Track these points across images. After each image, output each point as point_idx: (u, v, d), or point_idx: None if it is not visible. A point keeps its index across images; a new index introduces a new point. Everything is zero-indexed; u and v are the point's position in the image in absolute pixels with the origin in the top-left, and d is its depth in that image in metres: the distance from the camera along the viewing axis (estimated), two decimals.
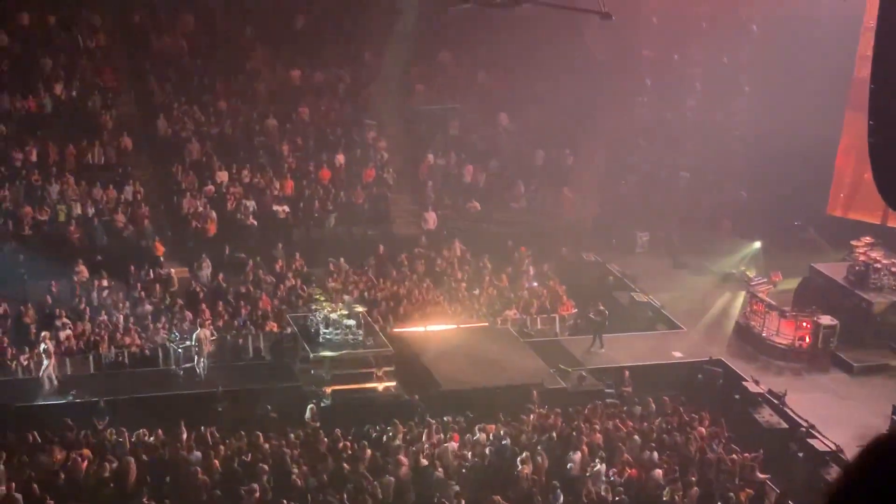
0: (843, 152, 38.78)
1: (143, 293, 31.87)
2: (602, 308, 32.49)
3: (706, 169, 41.17)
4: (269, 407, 26.57)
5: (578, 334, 33.13)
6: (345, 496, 22.49)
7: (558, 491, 23.45)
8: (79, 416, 25.35)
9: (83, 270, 32.07)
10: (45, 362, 27.39)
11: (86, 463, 23.15)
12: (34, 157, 35.08)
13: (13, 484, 21.94)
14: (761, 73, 41.25)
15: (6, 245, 32.60)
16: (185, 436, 24.54)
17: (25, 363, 28.43)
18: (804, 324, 32.36)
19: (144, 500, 21.70)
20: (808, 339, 32.26)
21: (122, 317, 30.67)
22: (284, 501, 22.31)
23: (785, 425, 28.23)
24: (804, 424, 27.90)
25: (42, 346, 27.55)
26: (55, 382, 27.53)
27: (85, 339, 29.70)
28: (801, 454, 26.87)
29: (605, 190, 40.18)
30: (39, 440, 24.09)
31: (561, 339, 32.83)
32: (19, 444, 24.06)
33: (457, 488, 23.33)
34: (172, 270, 33.43)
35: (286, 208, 36.15)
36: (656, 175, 41.35)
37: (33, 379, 27.79)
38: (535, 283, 35.12)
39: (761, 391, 29.59)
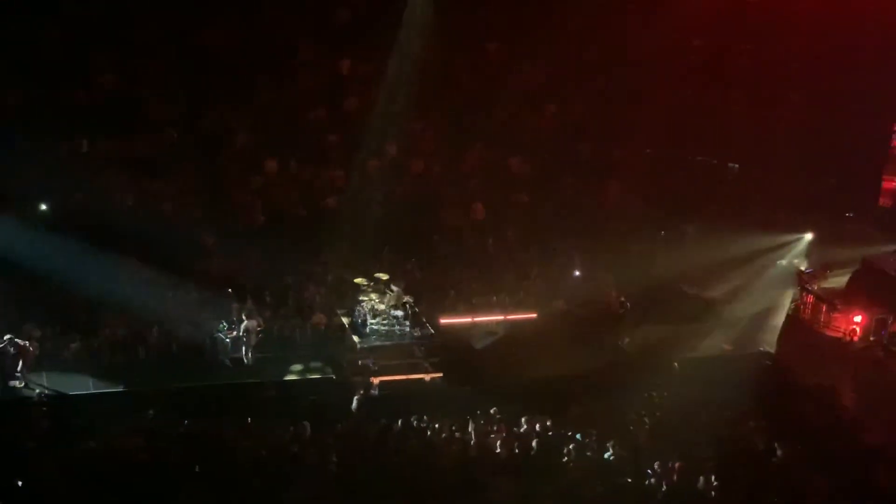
0: None
1: (191, 283, 32.02)
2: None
3: (758, 160, 40.79)
4: (313, 397, 26.66)
5: (626, 325, 32.93)
6: (390, 487, 22.49)
7: (600, 482, 23.38)
8: (128, 405, 25.53)
9: (133, 261, 32.27)
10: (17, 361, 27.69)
11: (134, 451, 23.30)
12: (83, 149, 35.34)
13: (61, 471, 22.14)
14: (813, 61, 40.76)
15: (57, 235, 32.83)
16: (232, 426, 24.64)
17: (74, 351, 28.70)
18: (855, 317, 32.03)
19: (191, 488, 21.81)
20: (858, 332, 31.95)
21: (171, 307, 30.84)
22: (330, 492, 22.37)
23: (834, 419, 27.94)
24: (853, 419, 27.61)
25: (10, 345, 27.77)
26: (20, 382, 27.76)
27: (133, 330, 29.90)
28: (849, 449, 26.59)
29: (652, 181, 39.92)
30: (87, 427, 24.28)
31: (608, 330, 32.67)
32: (68, 432, 24.27)
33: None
34: (220, 261, 33.57)
35: (334, 199, 36.22)
36: (706, 167, 41.06)
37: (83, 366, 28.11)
38: (578, 273, 34.99)
39: (811, 385, 29.32)
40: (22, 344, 27.75)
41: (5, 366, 27.56)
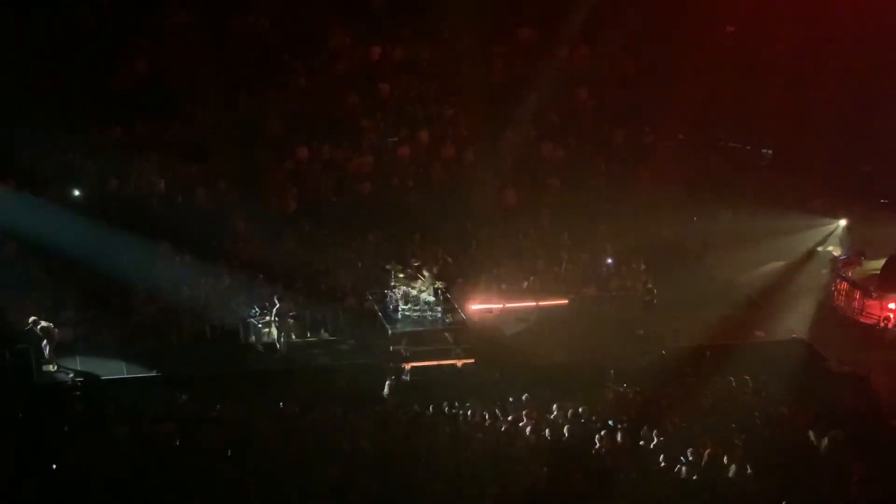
0: None
1: (224, 269, 32.15)
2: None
3: (791, 147, 40.55)
4: (347, 379, 26.73)
5: (659, 312, 32.83)
6: (423, 472, 22.51)
7: (632, 468, 23.31)
8: (161, 390, 25.67)
9: (167, 245, 32.45)
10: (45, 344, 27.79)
11: (167, 435, 23.43)
12: (118, 134, 35.54)
13: (94, 455, 22.30)
14: (848, 48, 40.42)
15: (92, 220, 33.07)
16: (264, 410, 24.72)
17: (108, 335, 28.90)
18: (890, 303, 31.83)
19: (225, 473, 21.91)
20: (893, 320, 31.76)
21: (203, 292, 30.98)
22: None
23: (869, 407, 27.76)
24: (889, 406, 27.44)
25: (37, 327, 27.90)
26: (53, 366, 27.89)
27: (167, 315, 30.06)
28: (884, 436, 26.41)
29: (686, 167, 39.75)
30: (121, 412, 24.44)
31: (639, 317, 32.56)
32: (102, 416, 24.43)
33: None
34: (253, 246, 33.68)
35: (367, 185, 36.26)
36: (740, 152, 40.85)
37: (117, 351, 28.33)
38: (610, 261, 34.88)
39: (845, 372, 29.15)
40: (47, 326, 27.95)
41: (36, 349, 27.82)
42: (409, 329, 28.92)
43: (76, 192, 33.91)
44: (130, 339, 29.38)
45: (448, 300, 30.00)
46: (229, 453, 23.10)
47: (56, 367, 27.91)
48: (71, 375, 27.47)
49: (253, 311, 30.03)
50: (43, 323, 28.01)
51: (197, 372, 27.60)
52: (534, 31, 42.12)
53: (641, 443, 24.43)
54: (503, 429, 24.53)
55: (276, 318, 29.35)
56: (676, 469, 23.44)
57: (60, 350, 28.47)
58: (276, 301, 29.92)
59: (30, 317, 28.25)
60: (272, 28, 39.97)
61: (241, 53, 38.94)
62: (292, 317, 29.83)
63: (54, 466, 21.97)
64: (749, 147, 41.12)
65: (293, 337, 30.14)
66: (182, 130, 36.48)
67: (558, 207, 37.21)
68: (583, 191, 38.11)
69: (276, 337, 29.39)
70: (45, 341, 27.89)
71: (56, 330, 28.17)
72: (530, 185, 38.06)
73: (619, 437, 24.17)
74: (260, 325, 29.63)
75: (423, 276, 30.17)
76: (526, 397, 26.28)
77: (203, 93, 37.48)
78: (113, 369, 28.00)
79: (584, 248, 35.43)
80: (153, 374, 27.79)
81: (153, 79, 37.50)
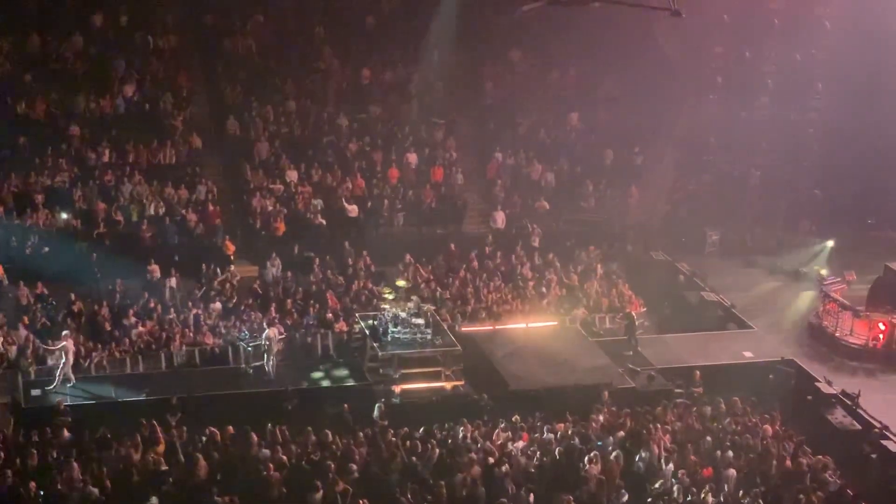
0: None
1: (213, 292, 32.14)
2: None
3: (779, 167, 40.73)
4: (346, 406, 26.65)
5: (647, 333, 32.85)
6: (413, 495, 22.47)
7: (623, 490, 23.30)
8: (151, 414, 25.58)
9: (155, 269, 32.44)
10: (63, 360, 27.65)
11: (157, 459, 23.36)
12: (107, 158, 35.58)
13: (87, 479, 22.20)
14: (835, 69, 40.67)
15: (81, 244, 33.07)
16: (254, 433, 24.65)
17: (97, 360, 28.77)
18: (878, 324, 31.91)
19: (215, 496, 21.84)
20: (882, 339, 31.83)
21: (193, 315, 30.93)
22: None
23: (858, 427, 27.78)
24: (878, 426, 27.47)
25: (61, 343, 27.82)
26: (71, 380, 27.79)
27: (157, 338, 30.00)
28: (874, 456, 26.45)
29: (675, 189, 39.89)
30: (110, 437, 24.34)
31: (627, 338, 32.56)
32: (92, 441, 24.33)
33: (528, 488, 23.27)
34: (242, 269, 33.68)
35: (356, 207, 36.30)
36: (728, 173, 41.00)
37: (103, 376, 28.24)
38: (596, 282, 34.91)
39: (834, 392, 29.17)
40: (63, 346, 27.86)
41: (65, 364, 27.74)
42: (398, 351, 28.86)
43: (63, 216, 33.83)
44: (120, 362, 29.23)
45: (437, 322, 29.98)
46: (219, 476, 23.07)
47: (55, 388, 27.74)
48: (59, 399, 27.25)
49: (243, 334, 29.95)
50: (65, 342, 27.89)
51: (186, 395, 27.46)
52: (523, 53, 42.26)
53: (638, 465, 24.49)
54: (494, 451, 24.49)
55: (266, 341, 29.27)
56: (673, 490, 23.49)
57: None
58: (266, 324, 29.85)
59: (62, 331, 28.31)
60: (261, 50, 40.06)
61: (230, 75, 39.03)
62: (281, 340, 29.74)
63: (42, 493, 21.89)
64: (735, 169, 41.20)
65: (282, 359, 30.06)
66: (173, 151, 36.45)
67: (548, 229, 37.26)
68: (573, 212, 38.21)
69: (265, 360, 29.32)
70: (63, 361, 27.75)
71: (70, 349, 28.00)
72: (520, 207, 38.12)
73: (610, 459, 24.19)
74: (249, 349, 29.55)
75: (413, 299, 30.15)
76: (516, 419, 26.26)
77: (192, 115, 37.60)
78: (102, 392, 27.84)
79: (575, 269, 35.43)
80: (143, 397, 27.65)
81: (141, 101, 37.53)
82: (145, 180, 35.26)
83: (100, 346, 29.28)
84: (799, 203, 40.58)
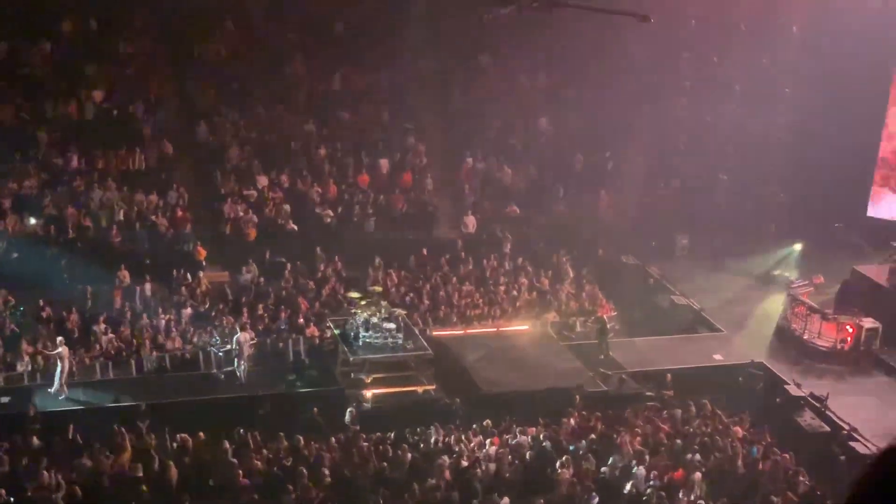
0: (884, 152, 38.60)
1: (184, 297, 32.08)
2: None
3: (747, 171, 40.99)
4: (315, 409, 26.66)
5: (618, 337, 33.00)
6: (385, 500, 22.50)
7: (593, 493, 23.40)
8: (122, 420, 25.50)
9: (125, 275, 32.34)
10: (59, 366, 27.58)
11: (128, 466, 23.30)
12: (76, 163, 35.42)
13: (56, 487, 22.11)
14: (802, 75, 40.98)
15: (50, 250, 32.92)
16: (226, 439, 24.63)
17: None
18: (846, 326, 32.16)
19: (186, 503, 21.82)
20: (850, 342, 32.06)
21: (164, 321, 30.86)
22: None
23: (827, 429, 28.03)
24: (846, 428, 27.71)
25: (58, 350, 27.73)
26: (65, 390, 27.72)
27: (127, 343, 29.91)
28: (843, 458, 26.67)
29: (644, 193, 40.08)
30: (82, 443, 24.27)
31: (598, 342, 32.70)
32: (62, 448, 24.25)
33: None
34: (213, 275, 33.63)
35: (328, 212, 36.28)
36: (696, 178, 41.22)
37: (73, 382, 28.10)
38: (566, 286, 35.03)
39: (803, 394, 29.41)
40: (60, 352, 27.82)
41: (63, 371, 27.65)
42: (370, 356, 28.90)
43: (32, 221, 33.65)
44: (90, 369, 29.11)
45: (409, 327, 30.03)
46: (190, 482, 23.02)
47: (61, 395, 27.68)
48: (29, 406, 27.12)
49: (214, 339, 29.91)
50: (60, 348, 27.81)
51: (157, 401, 27.40)
52: (493, 58, 42.37)
53: (604, 469, 24.60)
54: (466, 455, 24.56)
55: (237, 347, 29.25)
56: (644, 493, 23.58)
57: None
58: (237, 329, 29.82)
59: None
60: (232, 55, 39.98)
61: (200, 81, 38.93)
62: (253, 345, 29.71)
63: (12, 500, 21.80)
64: (703, 174, 41.43)
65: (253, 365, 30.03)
66: (143, 157, 36.32)
67: (519, 233, 37.37)
68: (543, 217, 38.34)
69: (236, 365, 29.28)
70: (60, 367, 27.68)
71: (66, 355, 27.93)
72: (491, 211, 38.21)
73: (581, 462, 24.30)
74: (221, 354, 29.50)
75: (384, 304, 30.19)
76: (488, 423, 26.33)
77: (162, 120, 37.51)
78: (72, 399, 27.72)
79: (546, 273, 35.57)
80: (113, 404, 27.55)
81: (111, 106, 37.38)
82: (115, 186, 35.11)
83: (70, 352, 29.13)
84: (766, 207, 40.86)
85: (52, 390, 27.53)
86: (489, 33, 40.80)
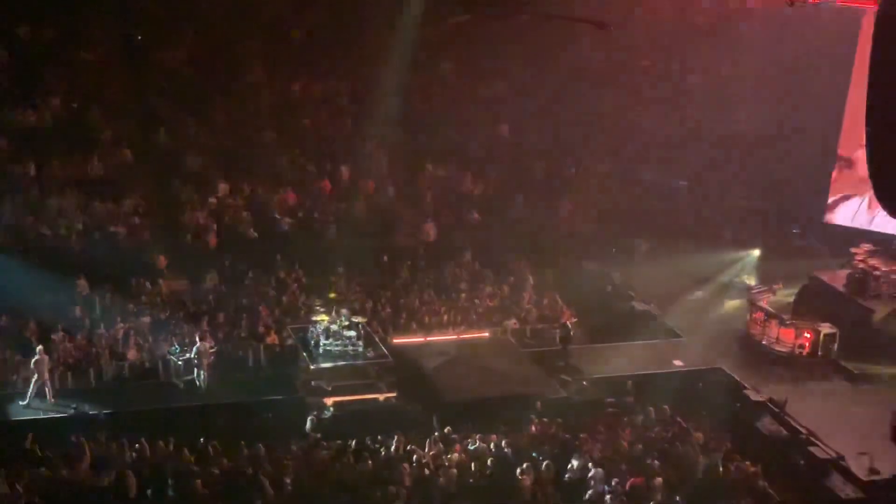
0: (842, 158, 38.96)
1: (144, 306, 31.86)
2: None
3: (706, 178, 41.23)
4: (269, 415, 26.58)
5: (579, 343, 33.06)
6: None
7: (556, 501, 23.44)
8: (80, 429, 25.31)
9: (84, 284, 32.08)
10: (36, 375, 27.39)
11: (87, 475, 23.12)
12: (33, 171, 35.10)
13: (14, 498, 21.91)
14: (759, 82, 41.27)
15: (7, 259, 32.60)
16: (185, 448, 24.50)
17: (24, 375, 28.39)
18: (804, 332, 32.39)
19: None
20: (808, 347, 32.30)
21: (123, 330, 30.64)
22: None
23: (786, 433, 28.22)
24: (805, 432, 27.90)
25: (35, 357, 27.53)
26: (49, 398, 27.53)
27: (85, 353, 29.68)
28: (802, 462, 26.86)
29: (604, 200, 40.22)
30: (39, 453, 24.07)
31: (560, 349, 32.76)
32: (19, 458, 24.02)
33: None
34: (173, 283, 33.42)
35: (288, 220, 36.17)
36: (656, 184, 41.42)
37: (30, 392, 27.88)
38: (527, 293, 35.11)
39: (762, 399, 29.59)
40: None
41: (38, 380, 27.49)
42: (330, 364, 28.82)
43: None
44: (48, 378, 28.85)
45: (369, 334, 29.99)
46: (149, 492, 22.89)
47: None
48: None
49: (173, 348, 29.74)
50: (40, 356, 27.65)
51: (116, 410, 27.22)
52: (454, 65, 42.42)
53: (567, 476, 24.66)
54: (427, 462, 24.54)
55: (196, 355, 29.09)
56: (605, 498, 23.66)
57: None
58: (197, 338, 29.66)
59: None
60: (190, 63, 39.81)
61: (159, 88, 38.72)
62: (213, 353, 29.56)
63: None
64: (665, 178, 41.67)
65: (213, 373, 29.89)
66: (100, 165, 36.06)
67: (480, 241, 37.39)
68: (503, 223, 38.39)
69: (196, 374, 29.12)
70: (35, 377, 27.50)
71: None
72: (451, 219, 38.22)
73: (542, 469, 24.33)
74: (180, 363, 29.34)
75: (345, 311, 30.14)
76: (449, 430, 26.32)
77: (121, 128, 37.26)
78: (30, 409, 27.47)
79: (507, 281, 35.63)
80: (71, 413, 27.33)
81: (68, 114, 37.12)
82: (73, 194, 34.83)
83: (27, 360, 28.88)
84: (725, 213, 41.13)
85: (23, 403, 27.35)
86: (449, 41, 40.88)
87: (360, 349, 29.20)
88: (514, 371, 30.28)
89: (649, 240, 39.19)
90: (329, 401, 28.10)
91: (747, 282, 37.14)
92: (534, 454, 25.06)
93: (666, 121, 42.14)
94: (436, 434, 26.16)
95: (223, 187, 36.61)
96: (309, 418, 26.89)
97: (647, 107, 42.45)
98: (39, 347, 27.99)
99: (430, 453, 25.10)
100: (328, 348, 29.01)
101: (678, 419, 28.13)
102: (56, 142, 36.17)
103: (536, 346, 32.60)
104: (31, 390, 27.35)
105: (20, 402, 27.35)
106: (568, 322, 32.57)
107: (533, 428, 26.67)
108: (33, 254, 32.93)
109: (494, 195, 39.65)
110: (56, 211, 34.28)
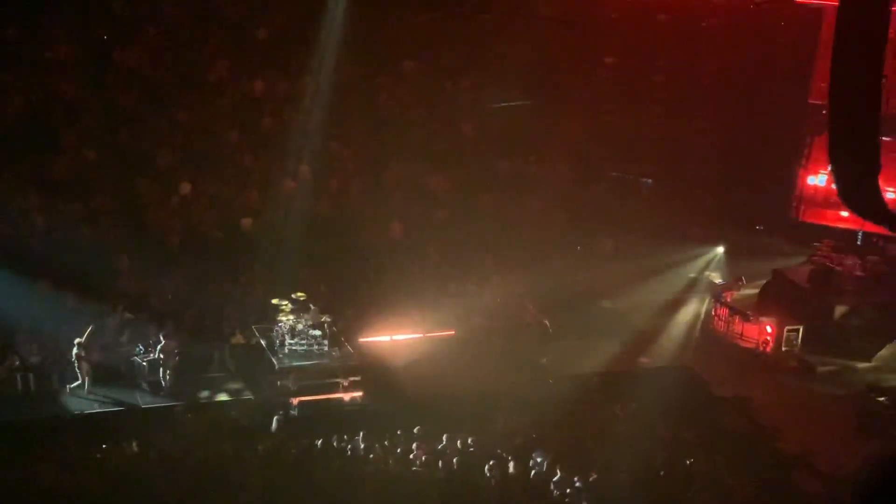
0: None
1: (108, 306, 31.64)
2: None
3: (670, 175, 41.40)
4: (235, 415, 26.53)
5: (546, 341, 33.11)
6: None
7: (522, 497, 23.52)
8: (43, 433, 25.16)
9: (48, 285, 31.83)
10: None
11: (53, 478, 22.99)
12: None
13: None
14: (724, 79, 41.47)
15: None
16: (152, 449, 24.41)
17: None
18: (767, 327, 32.62)
19: None
20: (770, 342, 32.53)
21: (87, 331, 30.42)
22: None
23: (750, 429, 28.39)
24: (769, 427, 28.08)
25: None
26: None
27: (50, 355, 29.47)
28: (766, 457, 27.03)
29: (569, 198, 40.29)
30: (2, 457, 23.92)
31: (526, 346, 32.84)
32: None
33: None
34: (139, 283, 33.22)
35: (251, 220, 36.06)
36: (621, 182, 41.55)
37: None
38: (493, 291, 35.18)
39: (727, 395, 29.77)
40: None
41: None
42: (296, 363, 28.79)
43: None
44: (10, 381, 28.66)
45: (335, 334, 29.95)
46: (116, 493, 22.78)
47: None
48: None
49: (138, 348, 29.59)
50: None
51: (81, 412, 27.08)
52: (417, 63, 42.37)
53: (532, 472, 24.72)
54: (393, 461, 24.55)
55: (162, 356, 28.97)
56: (569, 494, 23.74)
57: None
58: (162, 338, 29.53)
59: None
60: (154, 62, 39.60)
61: (122, 87, 38.49)
62: (178, 353, 29.44)
63: None
64: (629, 176, 41.81)
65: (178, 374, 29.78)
66: (63, 165, 35.81)
67: (445, 239, 37.40)
68: (469, 222, 38.39)
69: (161, 374, 29.00)
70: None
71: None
72: (416, 216, 38.18)
73: (509, 467, 24.39)
74: (145, 363, 29.20)
75: (310, 310, 30.09)
76: (418, 429, 26.33)
77: (85, 127, 37.00)
78: None
79: (471, 279, 35.66)
80: (35, 416, 27.15)
81: (30, 113, 36.84)
82: (36, 194, 34.55)
83: None
84: (690, 210, 41.29)
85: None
86: (413, 39, 40.84)
87: (326, 348, 29.18)
88: (481, 369, 30.32)
89: (614, 237, 39.29)
90: (294, 400, 28.06)
91: (712, 278, 37.32)
92: (499, 451, 25.10)
93: (630, 118, 42.22)
94: (402, 433, 26.16)
95: (186, 186, 36.42)
96: (275, 418, 26.84)
97: (610, 104, 42.54)
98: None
99: (397, 452, 25.10)
100: (294, 348, 28.99)
101: (645, 416, 28.23)
102: (18, 142, 35.85)
103: (503, 344, 32.63)
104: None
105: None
106: (546, 321, 32.57)
107: (500, 426, 26.71)
108: None
109: (459, 193, 39.63)
110: (18, 212, 33.98)
